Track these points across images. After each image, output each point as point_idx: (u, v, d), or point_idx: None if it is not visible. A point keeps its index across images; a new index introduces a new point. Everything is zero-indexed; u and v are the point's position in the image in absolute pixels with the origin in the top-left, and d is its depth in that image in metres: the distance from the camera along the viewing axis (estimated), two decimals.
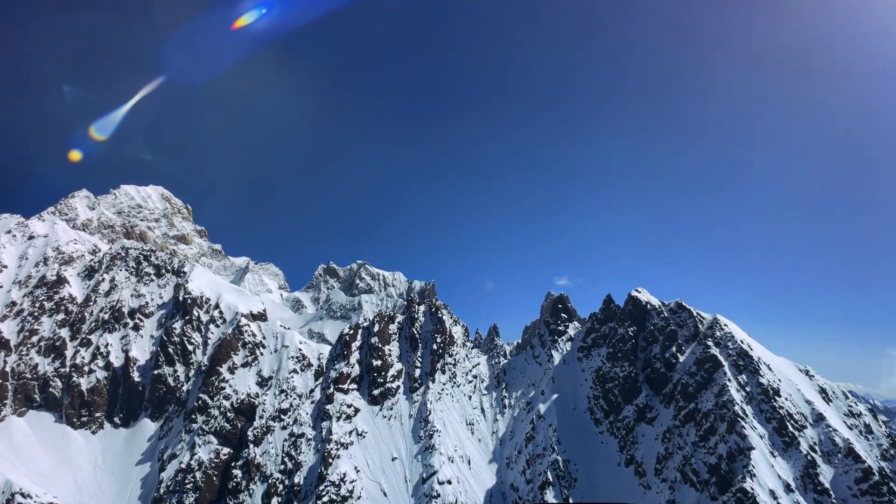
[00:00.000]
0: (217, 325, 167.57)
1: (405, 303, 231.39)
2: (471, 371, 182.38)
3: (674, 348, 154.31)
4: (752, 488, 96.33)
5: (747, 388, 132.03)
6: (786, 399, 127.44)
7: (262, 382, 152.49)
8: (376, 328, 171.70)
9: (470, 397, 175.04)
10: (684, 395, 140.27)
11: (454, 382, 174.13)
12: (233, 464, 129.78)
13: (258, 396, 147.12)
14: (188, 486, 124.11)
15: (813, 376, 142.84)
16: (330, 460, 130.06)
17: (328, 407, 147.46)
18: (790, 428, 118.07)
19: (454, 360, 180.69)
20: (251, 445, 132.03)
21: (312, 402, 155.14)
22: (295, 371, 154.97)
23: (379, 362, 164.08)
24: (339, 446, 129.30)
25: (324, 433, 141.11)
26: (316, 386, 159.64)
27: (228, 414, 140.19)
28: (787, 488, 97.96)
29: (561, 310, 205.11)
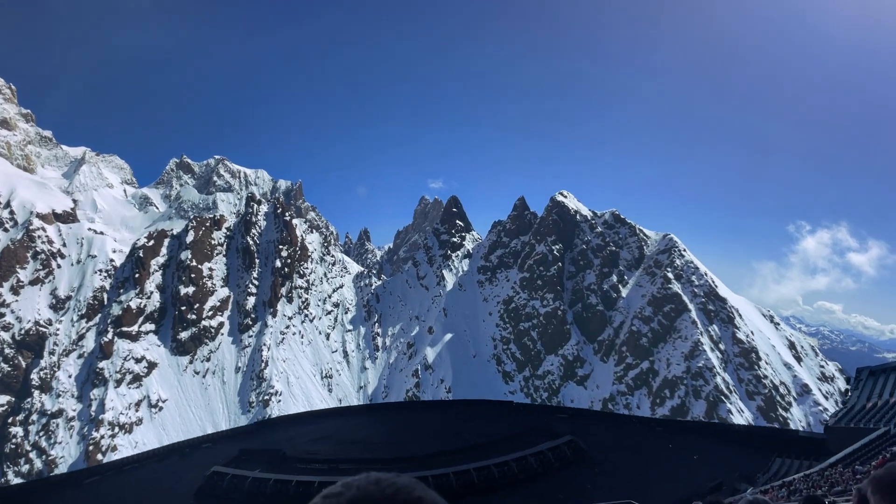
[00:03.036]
0: (6, 230, 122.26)
1: (269, 205, 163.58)
2: (331, 297, 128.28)
3: (614, 277, 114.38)
4: None
5: (721, 346, 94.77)
6: (766, 363, 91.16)
7: (58, 305, 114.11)
8: (190, 237, 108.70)
9: (328, 335, 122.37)
10: (634, 349, 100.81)
11: (306, 315, 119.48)
12: (11, 419, 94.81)
13: (51, 324, 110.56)
14: None
15: (778, 324, 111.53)
16: (99, 455, 78.55)
17: (103, 365, 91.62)
18: (779, 409, 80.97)
19: (307, 281, 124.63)
20: (36, 392, 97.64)
21: (81, 357, 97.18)
22: (103, 289, 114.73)
23: (191, 289, 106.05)
24: (117, 430, 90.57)
25: (93, 409, 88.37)
26: (87, 329, 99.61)
27: (7, 350, 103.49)
28: None
29: (455, 215, 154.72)
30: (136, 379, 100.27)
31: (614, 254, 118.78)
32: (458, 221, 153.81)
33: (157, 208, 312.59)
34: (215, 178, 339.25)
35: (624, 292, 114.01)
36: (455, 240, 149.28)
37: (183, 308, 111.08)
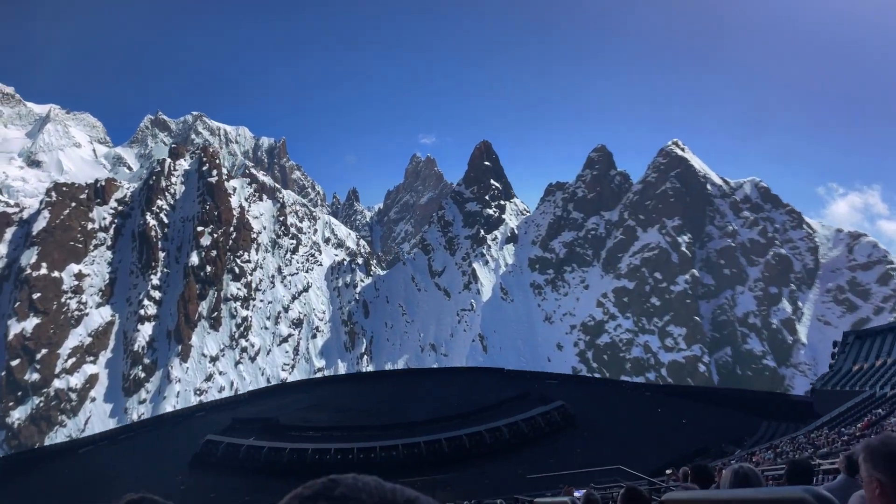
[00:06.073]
0: None
1: (250, 163, 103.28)
2: (288, 310, 79.78)
3: (786, 304, 64.44)
4: None
5: None
6: None
7: None
8: (42, 222, 50.88)
9: (283, 382, 68.80)
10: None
11: (243, 348, 71.66)
12: None
13: None
14: None
15: None
16: None
17: None
18: None
19: (247, 285, 76.67)
20: None
21: None
22: None
23: (35, 320, 48.77)
24: None
25: None
26: None
27: None
28: None
29: (489, 171, 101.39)
30: None
31: (783, 260, 70.64)
32: (492, 182, 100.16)
33: (130, 169, 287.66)
34: (193, 136, 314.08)
35: (802, 332, 66.93)
36: (490, 211, 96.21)
37: (18, 360, 58.28)
